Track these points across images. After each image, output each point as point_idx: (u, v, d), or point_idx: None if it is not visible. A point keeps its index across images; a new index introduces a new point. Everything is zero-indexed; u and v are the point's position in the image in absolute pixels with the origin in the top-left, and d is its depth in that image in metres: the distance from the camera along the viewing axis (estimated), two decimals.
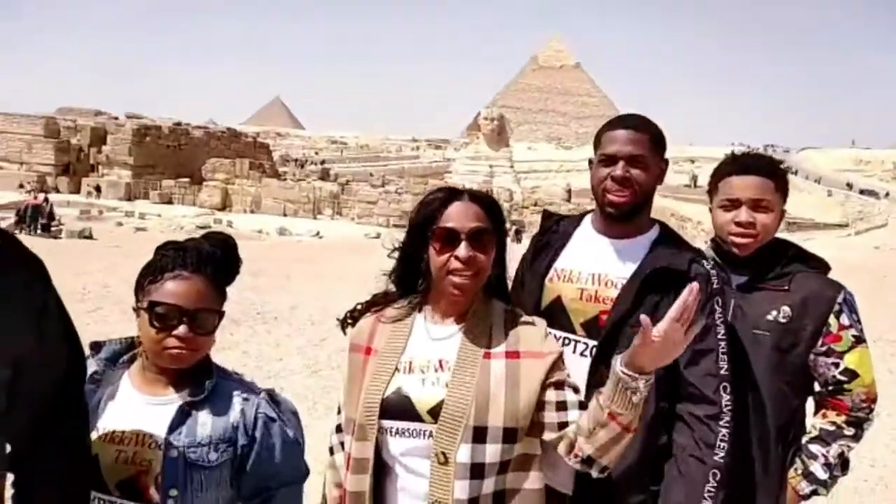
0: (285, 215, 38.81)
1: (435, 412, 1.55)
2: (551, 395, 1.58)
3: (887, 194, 57.67)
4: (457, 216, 1.63)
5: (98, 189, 41.28)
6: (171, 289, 1.53)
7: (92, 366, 1.59)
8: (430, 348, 1.65)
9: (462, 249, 1.58)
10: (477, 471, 1.53)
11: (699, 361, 1.76)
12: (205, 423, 1.56)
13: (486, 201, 1.69)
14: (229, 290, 1.66)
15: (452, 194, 1.68)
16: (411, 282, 1.72)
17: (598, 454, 1.51)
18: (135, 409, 1.57)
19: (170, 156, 46.78)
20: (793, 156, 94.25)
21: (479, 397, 1.54)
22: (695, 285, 1.44)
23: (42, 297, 1.31)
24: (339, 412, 1.80)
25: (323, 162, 63.70)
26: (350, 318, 1.80)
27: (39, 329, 1.30)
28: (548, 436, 1.58)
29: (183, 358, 1.54)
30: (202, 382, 1.59)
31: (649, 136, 1.87)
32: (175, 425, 1.54)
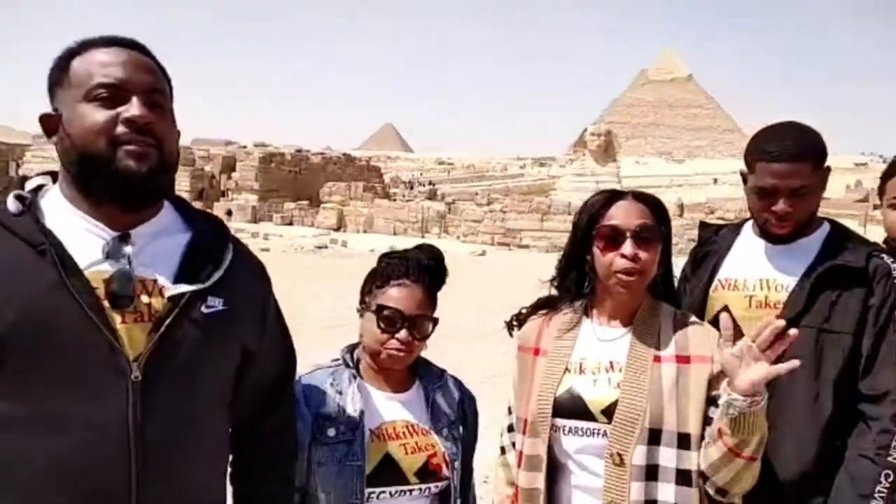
0: (395, 234, 40.29)
1: (608, 412, 1.58)
2: (721, 389, 1.53)
3: None
4: (621, 215, 1.65)
5: (230, 213, 44.87)
6: (396, 295, 1.69)
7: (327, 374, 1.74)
8: (599, 350, 1.67)
9: (627, 247, 1.59)
10: (652, 473, 1.54)
11: (874, 364, 1.70)
12: (442, 405, 1.78)
13: (650, 200, 1.71)
14: None
15: (616, 194, 1.71)
16: (576, 285, 1.75)
17: (711, 472, 1.52)
18: (386, 404, 1.73)
19: (291, 180, 49.94)
20: None
21: (652, 400, 1.55)
22: (780, 323, 1.43)
23: (265, 295, 1.44)
24: (509, 412, 1.84)
25: (430, 182, 65.37)
26: (516, 321, 1.86)
27: (263, 324, 1.41)
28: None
29: (399, 360, 1.70)
30: (420, 376, 1.82)
31: (811, 164, 1.78)
32: (434, 413, 1.76)
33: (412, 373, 1.81)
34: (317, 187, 45.86)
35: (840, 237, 1.85)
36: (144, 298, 1.18)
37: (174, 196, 1.32)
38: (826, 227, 1.88)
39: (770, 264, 1.86)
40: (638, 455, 1.53)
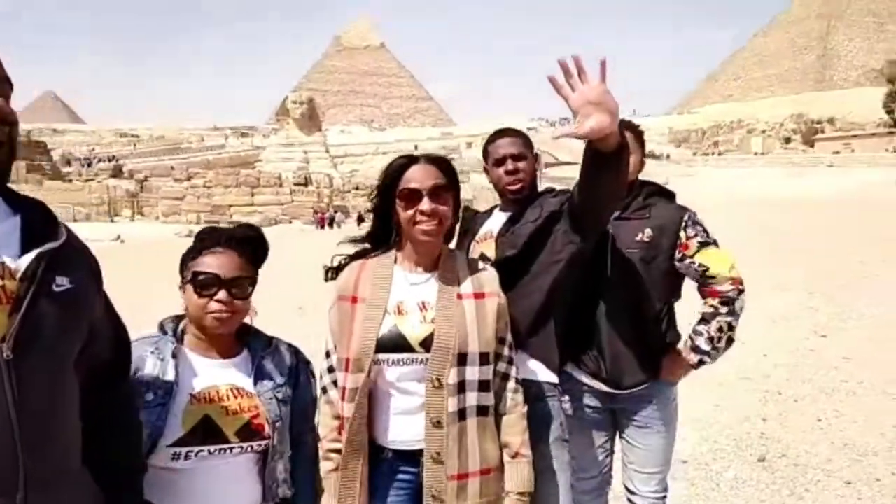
0: (76, 220, 34.24)
1: (425, 343, 1.86)
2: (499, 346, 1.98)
3: (668, 156, 64.81)
4: (417, 177, 1.92)
5: None
6: (209, 261, 1.82)
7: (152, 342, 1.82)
8: (411, 292, 1.95)
9: (425, 203, 1.89)
10: (461, 387, 1.87)
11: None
12: (270, 370, 1.90)
13: (440, 162, 2.00)
14: None
15: (412, 159, 1.99)
16: (385, 237, 2.03)
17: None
18: (211, 371, 1.83)
19: None
20: None
21: (459, 330, 1.87)
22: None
23: (98, 271, 1.46)
24: (327, 356, 2.02)
25: (113, 157, 57.32)
26: (332, 270, 2.07)
27: (101, 298, 1.47)
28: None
29: (225, 322, 1.81)
30: (249, 344, 1.92)
31: (520, 138, 2.49)
32: (259, 377, 1.86)
33: (240, 341, 1.92)
34: None
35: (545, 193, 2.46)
36: None
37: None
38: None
39: (499, 222, 2.47)
40: (451, 376, 1.85)
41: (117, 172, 44.66)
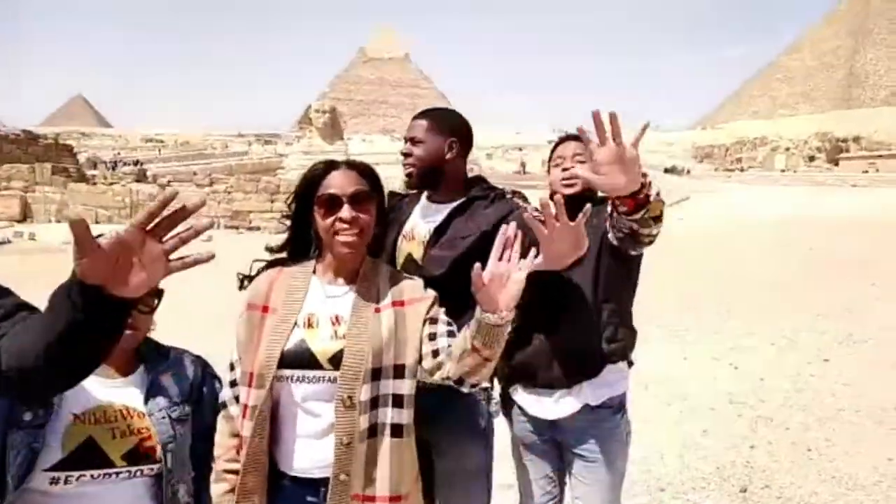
0: (98, 222, 34.81)
1: (334, 360, 1.73)
2: (427, 329, 1.81)
3: (689, 171, 64.20)
4: (337, 183, 1.83)
5: None
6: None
7: None
8: (325, 305, 1.82)
9: (345, 211, 1.79)
10: (374, 403, 1.74)
11: None
12: (167, 386, 1.81)
13: (361, 168, 1.90)
14: None
15: (331, 165, 1.88)
16: (304, 248, 1.92)
17: (468, 375, 1.72)
18: (102, 390, 1.73)
19: None
20: None
21: (373, 344, 1.75)
22: (511, 227, 1.68)
23: None
24: (231, 369, 1.88)
25: (137, 162, 58.22)
26: (247, 279, 1.92)
27: None
28: (426, 363, 1.79)
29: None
30: (145, 358, 1.82)
31: (427, 120, 2.36)
32: (151, 394, 1.76)
33: (139, 357, 1.83)
34: None
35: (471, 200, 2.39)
36: None
37: None
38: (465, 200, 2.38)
39: (426, 218, 2.40)
40: (364, 393, 1.72)
41: (141, 176, 45.32)
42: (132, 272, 1.12)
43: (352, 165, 1.88)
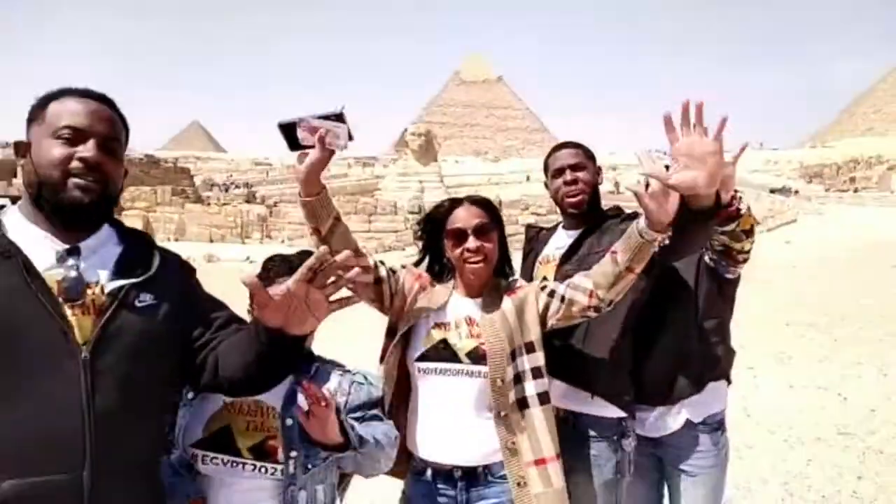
0: (212, 241, 37.29)
1: (472, 355, 2.05)
2: (542, 296, 2.12)
3: (796, 192, 60.97)
4: (462, 217, 2.13)
5: None
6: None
7: None
8: (461, 311, 2.14)
9: (471, 242, 2.09)
10: (518, 378, 2.06)
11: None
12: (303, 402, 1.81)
13: (482, 202, 2.19)
14: None
15: (455, 201, 2.19)
16: (440, 271, 2.25)
17: (618, 293, 2.01)
18: None
19: None
20: None
21: (505, 332, 2.06)
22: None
23: (190, 285, 1.69)
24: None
25: (248, 184, 61.80)
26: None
27: (191, 304, 1.63)
28: (553, 308, 2.09)
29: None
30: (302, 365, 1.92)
31: (578, 149, 2.51)
32: (289, 399, 1.84)
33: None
34: None
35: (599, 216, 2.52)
36: (90, 294, 1.44)
37: (111, 218, 1.59)
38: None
39: (562, 243, 2.55)
40: (508, 373, 2.03)
41: (250, 198, 48.09)
42: (303, 315, 1.42)
43: (474, 201, 2.16)
